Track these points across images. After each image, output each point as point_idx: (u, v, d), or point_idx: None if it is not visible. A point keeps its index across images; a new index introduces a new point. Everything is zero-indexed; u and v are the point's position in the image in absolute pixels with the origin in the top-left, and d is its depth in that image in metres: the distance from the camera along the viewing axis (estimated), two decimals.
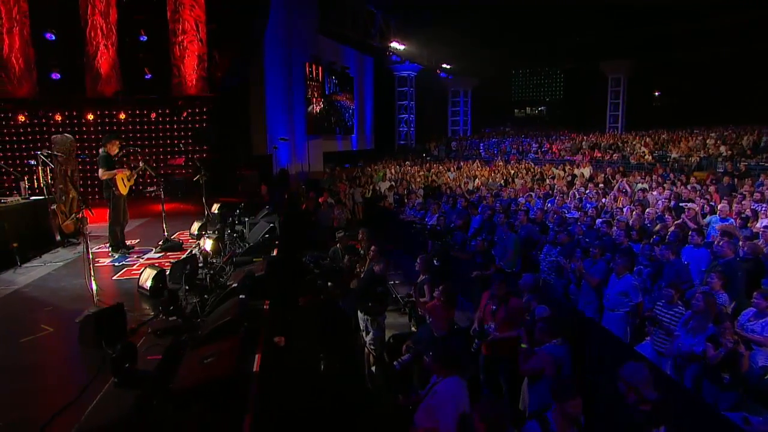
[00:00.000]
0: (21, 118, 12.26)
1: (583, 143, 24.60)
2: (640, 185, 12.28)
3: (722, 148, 18.81)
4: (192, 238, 7.62)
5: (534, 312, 4.91)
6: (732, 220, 7.87)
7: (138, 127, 13.23)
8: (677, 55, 29.90)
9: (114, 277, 5.86)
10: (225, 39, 13.69)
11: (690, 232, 6.66)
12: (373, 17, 26.54)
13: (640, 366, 3.29)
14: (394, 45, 27.62)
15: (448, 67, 32.93)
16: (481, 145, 29.70)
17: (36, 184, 7.41)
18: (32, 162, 7.27)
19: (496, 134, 34.03)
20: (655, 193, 11.10)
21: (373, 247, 6.37)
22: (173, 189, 11.83)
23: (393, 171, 19.68)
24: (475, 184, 15.52)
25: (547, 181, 15.47)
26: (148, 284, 4.98)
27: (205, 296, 4.74)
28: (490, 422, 2.83)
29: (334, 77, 25.11)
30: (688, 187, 11.24)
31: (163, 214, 7.26)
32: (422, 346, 4.18)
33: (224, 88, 13.80)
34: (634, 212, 8.79)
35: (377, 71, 31.10)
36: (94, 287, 4.49)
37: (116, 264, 6.42)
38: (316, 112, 23.46)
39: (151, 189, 10.76)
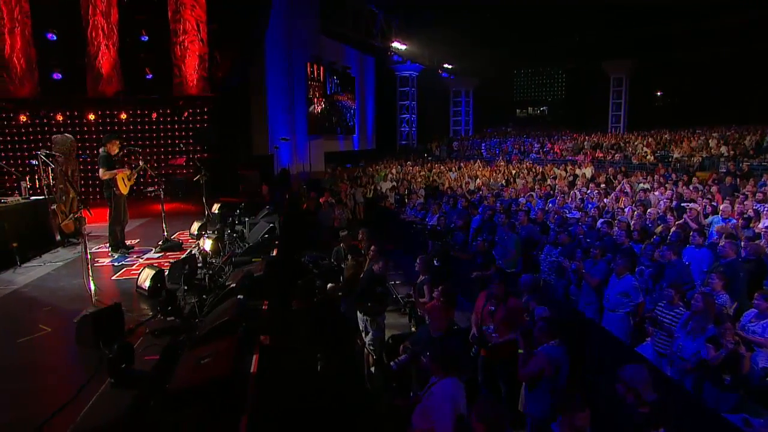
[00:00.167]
0: (22, 118, 12.28)
1: (585, 143, 24.54)
2: (641, 185, 12.24)
3: (723, 149, 18.74)
4: (192, 238, 7.61)
5: (533, 313, 4.89)
6: (734, 220, 7.83)
7: (139, 127, 13.23)
8: (678, 55, 29.86)
9: (113, 277, 5.85)
10: (226, 39, 13.68)
11: (691, 233, 6.63)
12: (374, 17, 26.54)
13: (639, 368, 3.27)
14: (396, 45, 27.61)
15: (450, 67, 32.91)
16: (483, 145, 29.67)
17: (38, 184, 7.43)
18: (34, 162, 7.28)
19: (497, 134, 33.99)
20: (656, 193, 11.06)
21: (372, 247, 6.36)
22: (174, 189, 11.84)
23: (395, 171, 19.68)
24: (476, 184, 15.50)
25: (548, 181, 15.43)
26: (147, 284, 4.97)
27: (204, 296, 4.73)
28: (488, 423, 2.81)
29: (335, 77, 25.11)
30: (690, 187, 11.20)
31: (163, 214, 7.25)
32: (419, 346, 4.17)
33: (225, 88, 13.79)
34: (635, 212, 8.76)
35: (379, 71, 31.10)
36: (93, 287, 4.49)
37: (116, 264, 6.42)
38: (318, 112, 23.46)
39: (151, 189, 10.76)
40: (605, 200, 10.68)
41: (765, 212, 8.23)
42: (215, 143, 13.31)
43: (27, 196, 7.46)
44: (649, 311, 5.20)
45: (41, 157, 6.87)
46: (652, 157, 20.07)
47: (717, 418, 3.56)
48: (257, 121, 17.07)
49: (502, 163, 21.28)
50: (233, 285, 4.62)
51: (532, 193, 12.57)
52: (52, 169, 7.28)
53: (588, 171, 17.04)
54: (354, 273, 6.32)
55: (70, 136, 8.10)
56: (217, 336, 3.47)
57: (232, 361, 3.05)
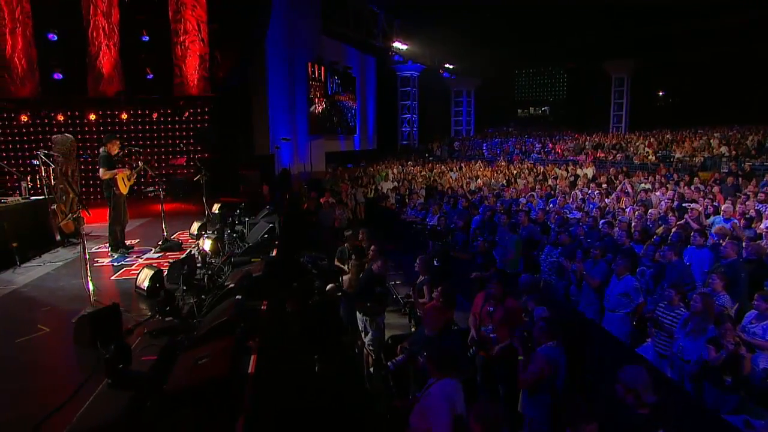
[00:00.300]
0: (23, 118, 12.32)
1: (587, 143, 24.49)
2: (643, 185, 12.20)
3: (723, 149, 18.68)
4: (192, 238, 7.61)
5: (532, 313, 4.87)
6: (736, 220, 7.79)
7: (140, 127, 13.26)
8: (679, 55, 29.80)
9: (113, 277, 5.85)
10: (227, 39, 13.69)
11: (692, 233, 6.60)
12: (375, 17, 26.53)
13: (639, 369, 3.25)
14: (397, 45, 27.59)
15: (451, 67, 32.88)
16: (484, 145, 29.63)
17: (39, 183, 7.43)
18: (35, 162, 7.28)
19: (499, 134, 33.94)
20: (658, 193, 11.03)
21: (372, 247, 6.34)
22: (174, 189, 11.84)
23: (396, 171, 19.66)
24: (477, 184, 15.48)
25: (549, 181, 15.40)
26: (146, 284, 4.97)
27: (203, 297, 4.73)
28: (486, 423, 2.79)
29: (336, 77, 25.10)
30: (692, 187, 11.16)
31: (163, 214, 7.25)
32: (417, 347, 4.15)
33: (226, 88, 13.80)
34: (636, 213, 8.73)
35: (380, 71, 31.09)
36: (91, 287, 4.48)
37: (115, 264, 6.42)
38: (319, 112, 23.46)
39: (152, 189, 10.77)
40: (606, 200, 10.65)
41: (767, 213, 8.19)
42: (216, 143, 13.32)
43: (27, 196, 7.47)
44: (650, 312, 5.18)
45: (41, 157, 6.87)
46: (654, 158, 20.01)
47: (717, 420, 3.55)
48: (258, 121, 17.06)
49: (503, 164, 21.25)
50: (232, 285, 4.61)
51: (533, 193, 12.54)
52: (52, 169, 7.29)
53: (589, 171, 17.00)
54: (357, 273, 6.31)
55: (70, 136, 8.09)
56: (215, 336, 3.46)
57: (229, 361, 3.04)
